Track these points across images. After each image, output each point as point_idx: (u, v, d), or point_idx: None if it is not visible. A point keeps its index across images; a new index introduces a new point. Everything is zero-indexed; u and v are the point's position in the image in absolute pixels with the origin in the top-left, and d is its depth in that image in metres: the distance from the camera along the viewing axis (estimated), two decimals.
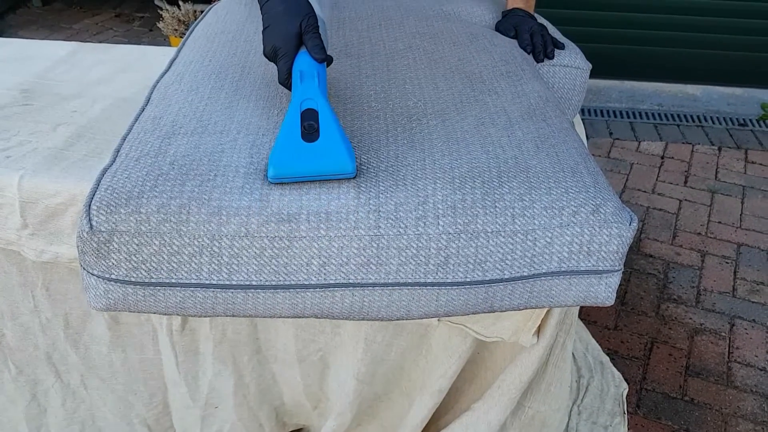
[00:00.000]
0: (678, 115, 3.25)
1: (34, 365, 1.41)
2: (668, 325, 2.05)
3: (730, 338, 2.01)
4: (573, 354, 1.77)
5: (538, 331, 1.15)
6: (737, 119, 3.22)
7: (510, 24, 1.38)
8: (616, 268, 0.87)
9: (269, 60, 0.96)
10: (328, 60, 0.94)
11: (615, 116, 3.24)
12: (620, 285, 2.19)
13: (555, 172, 0.89)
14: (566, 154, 0.93)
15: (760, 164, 2.87)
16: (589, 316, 2.06)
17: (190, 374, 1.37)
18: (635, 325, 2.05)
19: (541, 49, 1.32)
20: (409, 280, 0.84)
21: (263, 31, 0.96)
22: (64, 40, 3.91)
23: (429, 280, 0.85)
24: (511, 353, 1.22)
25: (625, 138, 3.05)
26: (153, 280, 0.84)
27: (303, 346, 1.31)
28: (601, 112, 3.27)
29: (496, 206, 0.84)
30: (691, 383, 1.87)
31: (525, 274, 0.85)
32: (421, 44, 1.23)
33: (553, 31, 1.43)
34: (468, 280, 0.85)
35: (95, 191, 0.84)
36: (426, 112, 1.01)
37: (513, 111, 1.02)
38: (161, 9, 3.67)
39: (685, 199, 2.64)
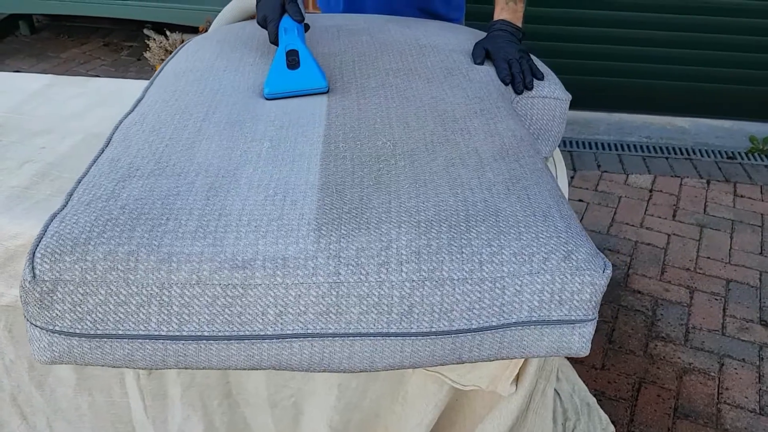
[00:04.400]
0: (666, 148, 3.23)
1: None
2: (656, 365, 2.00)
3: (719, 378, 1.96)
4: (559, 395, 1.71)
5: (517, 378, 1.11)
6: (726, 152, 3.20)
7: (489, 49, 1.34)
8: (590, 317, 0.83)
9: (261, 26, 1.27)
10: (306, 26, 1.27)
11: (603, 148, 3.22)
12: (608, 322, 2.15)
13: (526, 216, 0.85)
14: (538, 197, 0.89)
15: (749, 198, 2.84)
16: None
17: (158, 419, 1.32)
18: (623, 365, 2.00)
19: (520, 80, 1.28)
20: (371, 330, 0.80)
21: (256, 5, 1.29)
22: (51, 68, 3.91)
23: (392, 330, 0.80)
24: (490, 401, 1.18)
25: (613, 171, 3.02)
26: (99, 332, 0.79)
27: (275, 391, 1.26)
28: (590, 144, 3.25)
29: (462, 252, 0.80)
30: (679, 426, 1.81)
31: (494, 323, 0.81)
32: (394, 82, 1.20)
33: (533, 59, 1.40)
34: (434, 330, 0.80)
35: (41, 237, 0.80)
36: (395, 153, 0.97)
37: (485, 151, 0.98)
38: (149, 38, 3.66)
39: (674, 234, 2.61)
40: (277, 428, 1.32)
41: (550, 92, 1.32)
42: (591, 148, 3.22)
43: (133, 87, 1.74)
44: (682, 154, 3.19)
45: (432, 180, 0.91)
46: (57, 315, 0.79)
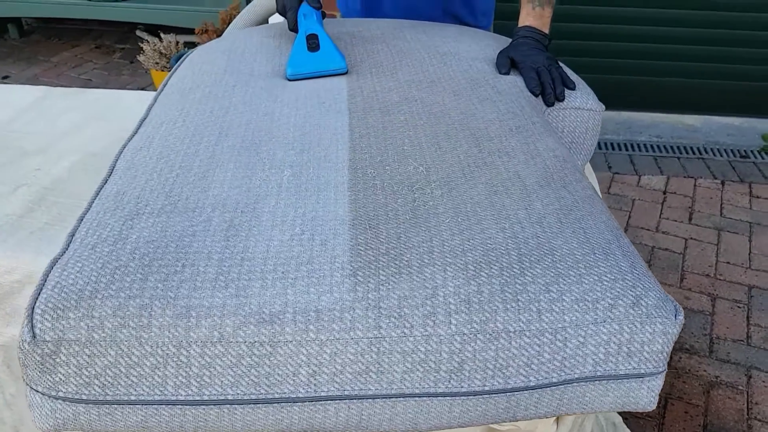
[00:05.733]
0: (678, 147, 3.14)
1: None
2: (682, 379, 1.92)
3: (748, 392, 1.88)
4: None
5: (558, 418, 1.02)
6: (738, 151, 3.12)
7: (514, 57, 1.25)
8: (660, 369, 0.74)
9: (281, 14, 1.33)
10: (323, 13, 1.32)
11: (613, 149, 3.13)
12: None
13: (584, 254, 0.76)
14: (595, 231, 0.80)
15: (766, 199, 2.76)
16: None
17: None
18: None
19: (551, 91, 1.19)
20: (417, 390, 0.71)
21: None
22: (42, 72, 3.80)
23: (440, 390, 0.71)
24: None
25: (624, 172, 2.93)
26: (108, 398, 0.69)
27: None
28: (599, 144, 3.15)
29: (518, 299, 0.71)
30: None
31: (554, 380, 0.72)
32: (418, 95, 1.10)
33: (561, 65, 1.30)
34: (486, 389, 0.71)
35: (41, 289, 0.71)
36: (429, 180, 0.88)
37: (528, 176, 0.89)
38: (142, 41, 3.55)
39: (691, 238, 2.52)
40: None
41: (583, 103, 1.23)
42: (600, 148, 3.13)
43: (128, 98, 1.64)
44: (694, 153, 3.10)
45: (475, 212, 0.81)
46: (61, 379, 0.69)
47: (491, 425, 1.03)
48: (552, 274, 0.73)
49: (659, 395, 1.82)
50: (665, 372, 0.75)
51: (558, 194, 0.86)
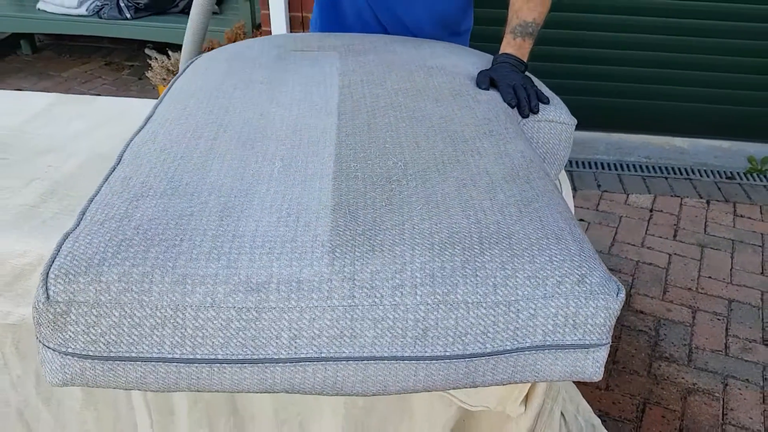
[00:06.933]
0: (666, 168, 3.24)
1: (5, 422, 1.36)
2: (660, 385, 2.00)
3: (723, 399, 1.96)
4: (564, 416, 1.70)
5: (526, 399, 1.10)
6: (725, 172, 3.21)
7: (493, 77, 1.35)
8: (604, 341, 0.82)
9: None
10: None
11: (603, 168, 3.23)
12: (611, 342, 2.14)
13: (539, 238, 0.85)
14: (550, 219, 0.89)
15: (749, 218, 2.85)
16: None
17: None
18: (627, 385, 1.99)
19: (525, 104, 1.29)
20: (385, 354, 0.80)
21: None
22: (52, 87, 3.92)
23: (406, 354, 0.80)
24: (497, 422, 1.17)
25: (613, 190, 3.03)
26: (112, 354, 0.78)
27: (281, 407, 1.25)
28: (589, 164, 3.26)
29: (477, 275, 0.80)
30: None
31: (508, 347, 0.80)
32: (404, 102, 1.20)
33: (538, 84, 1.41)
34: (448, 353, 0.80)
35: (55, 257, 0.80)
36: (406, 173, 0.97)
37: (496, 172, 0.99)
38: (150, 58, 3.67)
39: (675, 254, 2.61)
40: None
41: (556, 116, 1.32)
42: (591, 167, 3.23)
43: (137, 106, 1.74)
44: (681, 174, 3.20)
45: (444, 201, 0.91)
46: (70, 337, 0.78)
47: (463, 405, 1.11)
48: (508, 254, 0.82)
49: (637, 400, 1.91)
50: (609, 345, 0.83)
51: (521, 188, 0.95)
